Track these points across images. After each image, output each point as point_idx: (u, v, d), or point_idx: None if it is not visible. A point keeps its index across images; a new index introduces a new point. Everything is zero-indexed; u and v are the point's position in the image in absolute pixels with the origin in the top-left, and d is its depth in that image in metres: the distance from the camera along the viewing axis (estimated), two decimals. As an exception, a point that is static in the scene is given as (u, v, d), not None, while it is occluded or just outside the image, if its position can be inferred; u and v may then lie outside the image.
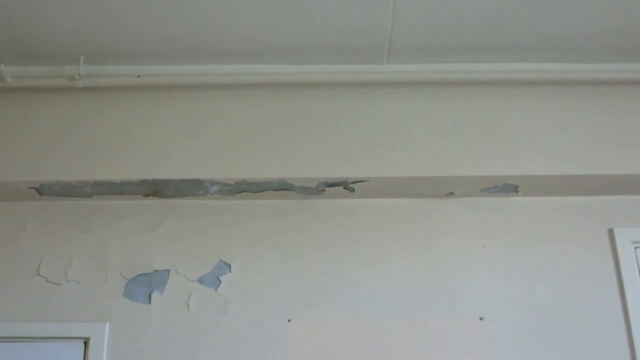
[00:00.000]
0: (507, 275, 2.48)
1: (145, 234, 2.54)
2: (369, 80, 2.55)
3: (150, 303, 2.44)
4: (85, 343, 2.40)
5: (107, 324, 2.41)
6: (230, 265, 2.49)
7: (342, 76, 2.54)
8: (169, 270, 2.48)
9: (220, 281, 2.47)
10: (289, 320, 2.42)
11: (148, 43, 2.46)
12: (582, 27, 2.40)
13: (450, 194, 2.57)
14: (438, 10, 2.32)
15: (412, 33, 2.42)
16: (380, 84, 2.56)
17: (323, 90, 2.56)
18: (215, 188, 2.50)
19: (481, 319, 2.42)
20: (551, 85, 2.56)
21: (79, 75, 2.50)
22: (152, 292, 2.45)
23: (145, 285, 2.47)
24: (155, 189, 2.51)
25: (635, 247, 2.51)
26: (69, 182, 2.47)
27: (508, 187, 2.52)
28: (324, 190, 2.52)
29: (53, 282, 2.47)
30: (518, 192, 2.54)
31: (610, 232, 2.53)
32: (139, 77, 2.53)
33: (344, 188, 2.51)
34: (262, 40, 2.46)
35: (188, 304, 2.44)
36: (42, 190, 2.51)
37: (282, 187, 2.50)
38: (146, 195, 2.56)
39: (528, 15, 2.34)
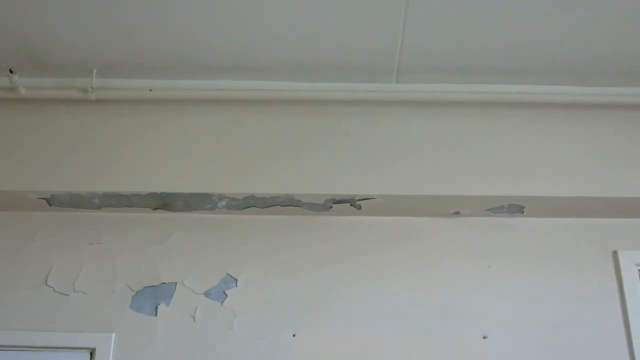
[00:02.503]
0: (511, 294, 2.49)
1: (153, 247, 2.56)
2: (377, 98, 2.58)
3: (156, 315, 2.46)
4: (91, 354, 2.42)
5: (113, 335, 2.43)
6: (236, 280, 2.50)
7: (351, 94, 2.57)
8: (176, 283, 2.50)
9: (226, 295, 2.49)
10: (293, 335, 2.43)
11: (160, 57, 2.49)
12: (590, 51, 2.42)
13: (456, 213, 2.59)
14: (447, 33, 2.35)
15: (421, 54, 2.45)
16: (388, 103, 2.59)
17: (333, 108, 2.59)
18: (224, 202, 2.53)
19: (485, 337, 2.43)
20: (558, 108, 2.58)
21: (92, 87, 2.53)
22: (159, 304, 2.47)
23: (152, 297, 2.48)
24: (164, 202, 2.53)
25: (639, 270, 2.52)
26: (79, 194, 2.49)
27: (513, 208, 2.54)
28: (331, 207, 2.54)
29: (61, 293, 2.49)
30: (523, 212, 2.56)
31: (615, 254, 2.54)
32: (150, 90, 2.56)
33: (350, 205, 2.53)
34: (273, 58, 2.49)
35: (194, 317, 2.45)
36: (52, 201, 2.54)
37: (289, 203, 2.52)
38: (155, 209, 2.58)
39: (534, 39, 2.37)
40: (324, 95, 2.58)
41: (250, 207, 2.55)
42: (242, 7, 2.25)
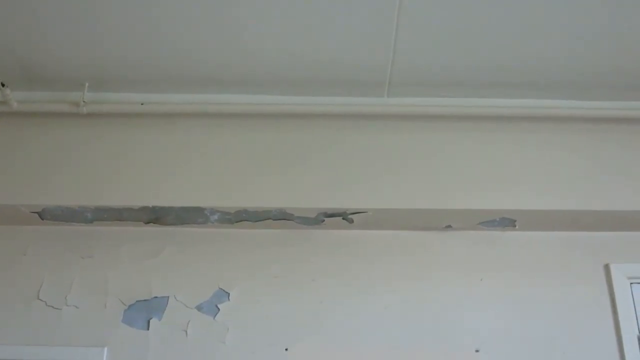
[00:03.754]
0: (503, 308, 2.49)
1: (145, 261, 2.56)
2: (369, 112, 2.58)
3: (148, 329, 2.45)
4: (83, 368, 2.42)
5: (105, 349, 2.42)
6: (229, 294, 2.50)
7: (343, 108, 2.57)
8: (168, 297, 2.50)
9: (218, 309, 2.48)
10: (286, 349, 2.43)
11: (152, 71, 2.49)
12: (580, 63, 2.42)
13: (448, 226, 2.59)
14: (438, 48, 2.35)
15: (413, 68, 2.45)
16: (380, 117, 2.59)
17: (325, 122, 2.58)
18: (216, 216, 2.52)
19: (477, 351, 2.43)
20: (549, 121, 2.59)
21: (84, 101, 2.52)
22: (151, 318, 2.47)
23: (144, 311, 2.48)
24: (156, 216, 2.53)
25: (631, 283, 2.52)
26: (71, 207, 2.48)
27: (505, 221, 2.54)
28: (323, 220, 2.54)
29: (53, 307, 2.48)
30: (515, 226, 2.57)
31: (607, 267, 2.54)
32: (142, 104, 2.56)
33: (342, 219, 2.53)
34: (265, 72, 2.48)
35: (186, 331, 2.45)
36: (43, 215, 2.53)
37: (281, 217, 2.52)
38: (147, 222, 2.58)
39: (526, 51, 2.37)
40: (315, 109, 2.57)
41: (242, 220, 2.55)
42: (234, 22, 2.25)
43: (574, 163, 2.53)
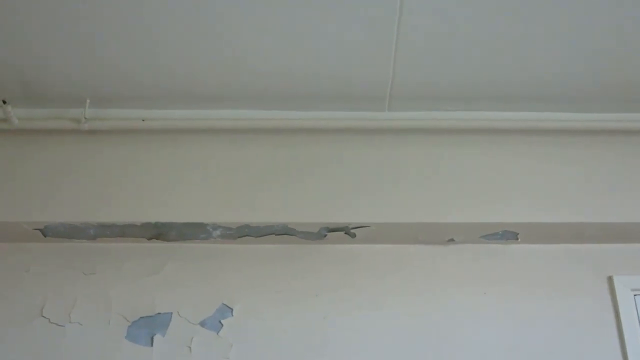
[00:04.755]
0: (507, 321, 2.49)
1: (148, 277, 2.56)
2: (370, 126, 2.57)
3: (152, 346, 2.45)
4: (87, 385, 2.42)
5: (109, 366, 2.43)
6: (232, 309, 2.50)
7: (343, 122, 2.56)
8: (172, 313, 2.49)
9: (222, 324, 2.48)
10: (290, 364, 2.44)
11: (153, 87, 2.49)
12: (580, 76, 2.42)
13: (451, 240, 2.58)
14: (438, 61, 2.34)
15: (413, 82, 2.44)
16: (381, 131, 2.59)
17: (325, 136, 2.58)
18: (218, 232, 2.52)
19: (481, 364, 2.44)
20: (551, 134, 2.58)
21: (85, 117, 2.52)
22: (155, 334, 2.46)
23: (147, 327, 2.48)
24: (159, 232, 2.53)
25: (635, 295, 2.51)
26: (73, 224, 2.49)
27: (508, 234, 2.54)
28: (326, 235, 2.54)
29: (56, 324, 2.48)
30: (518, 239, 2.56)
31: (610, 279, 2.54)
32: (143, 120, 2.56)
33: (345, 233, 2.53)
34: (265, 87, 2.48)
35: (190, 347, 2.44)
36: (46, 232, 2.53)
37: (284, 232, 2.52)
38: (149, 239, 2.58)
39: (526, 64, 2.36)
40: (316, 124, 2.57)
41: (244, 236, 2.55)
42: (234, 38, 2.25)
43: (576, 175, 2.52)
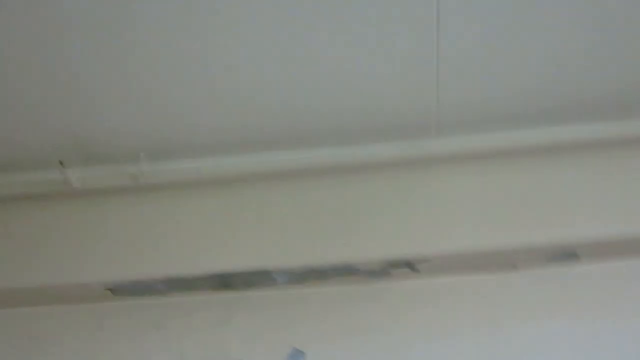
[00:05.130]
0: (573, 348, 2.44)
1: (218, 327, 2.59)
2: (419, 156, 2.57)
3: (229, 395, 2.49)
4: None
5: (188, 418, 2.46)
6: (304, 353, 2.52)
7: (393, 155, 2.56)
8: (244, 362, 2.53)
9: (295, 368, 2.52)
10: (366, 406, 2.44)
11: (209, 136, 2.53)
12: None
13: (513, 266, 2.57)
14: (482, 82, 2.35)
15: (459, 106, 2.44)
16: (431, 160, 2.59)
17: (377, 171, 2.60)
18: (283, 277, 2.56)
19: (556, 392, 2.41)
20: (605, 147, 2.53)
21: (141, 172, 2.57)
22: (229, 383, 2.51)
23: (222, 377, 2.52)
24: (225, 282, 2.58)
25: None
26: (142, 281, 2.55)
27: (570, 255, 2.52)
28: (389, 272, 2.56)
29: (132, 379, 2.54)
30: (581, 259, 2.53)
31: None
32: (200, 171, 2.60)
33: (408, 268, 2.55)
34: (314, 127, 2.52)
35: (265, 394, 2.48)
36: (116, 291, 2.60)
37: (348, 271, 2.54)
38: (216, 289, 2.62)
39: (575, 78, 2.34)
40: (367, 159, 2.59)
41: (309, 279, 2.58)
42: (284, 79, 2.29)
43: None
